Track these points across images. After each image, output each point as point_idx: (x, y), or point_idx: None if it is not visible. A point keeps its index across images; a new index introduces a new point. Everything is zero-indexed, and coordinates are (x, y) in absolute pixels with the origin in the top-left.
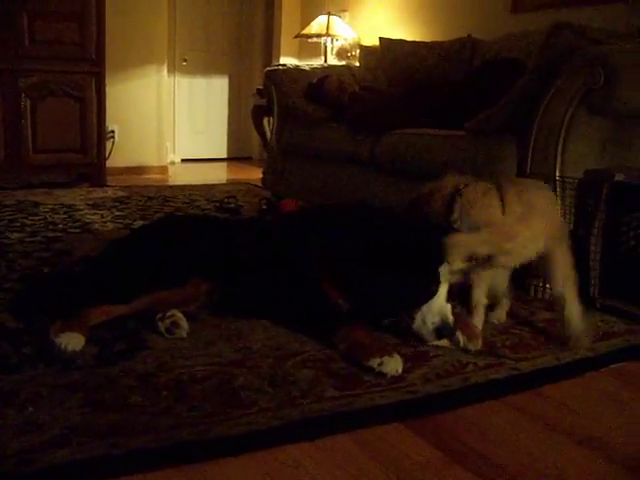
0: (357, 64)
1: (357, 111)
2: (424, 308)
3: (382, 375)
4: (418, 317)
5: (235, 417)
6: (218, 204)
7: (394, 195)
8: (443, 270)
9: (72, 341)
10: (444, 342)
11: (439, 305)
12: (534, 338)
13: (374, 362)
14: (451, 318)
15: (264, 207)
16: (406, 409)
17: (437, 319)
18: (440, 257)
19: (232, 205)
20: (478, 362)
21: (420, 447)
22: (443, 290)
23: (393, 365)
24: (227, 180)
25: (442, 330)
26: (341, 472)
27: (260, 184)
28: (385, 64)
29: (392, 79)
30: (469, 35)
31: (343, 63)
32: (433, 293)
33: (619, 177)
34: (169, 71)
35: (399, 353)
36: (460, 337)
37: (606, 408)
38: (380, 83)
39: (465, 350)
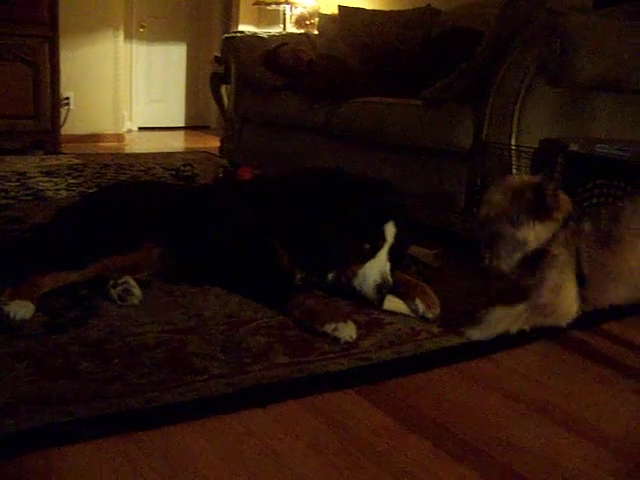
0: (316, 32)
1: (314, 79)
2: (367, 265)
3: (336, 341)
4: (360, 274)
5: (186, 384)
6: (174, 172)
7: (350, 163)
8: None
9: (21, 309)
10: (403, 309)
11: (380, 264)
12: (490, 306)
13: (328, 327)
14: (390, 278)
15: (221, 175)
16: (359, 376)
17: (378, 277)
18: (385, 217)
19: (188, 173)
20: (432, 329)
21: (373, 414)
22: (384, 250)
23: (347, 331)
24: (184, 148)
25: (382, 288)
26: (293, 439)
27: (217, 152)
28: (344, 33)
29: (351, 48)
30: (428, 4)
31: (302, 31)
32: (376, 251)
33: (573, 147)
34: (126, 37)
35: (353, 320)
36: (419, 305)
37: (557, 374)
38: (339, 52)
39: (423, 317)
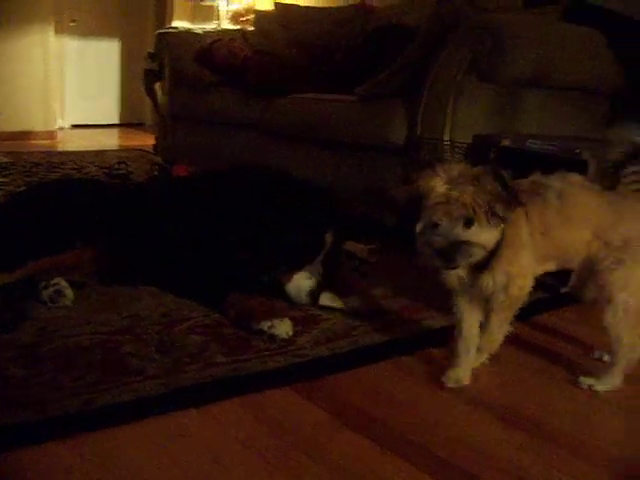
0: (252, 29)
1: (249, 76)
2: (306, 270)
3: (272, 338)
4: (295, 279)
5: (122, 385)
6: (108, 170)
7: (286, 160)
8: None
9: None
10: (339, 304)
11: (316, 269)
12: (426, 300)
13: (265, 325)
14: (322, 283)
15: (155, 173)
16: (296, 373)
17: (312, 282)
18: (325, 225)
19: (122, 171)
20: (367, 325)
21: (309, 410)
22: (321, 256)
23: (283, 328)
24: (119, 146)
25: (314, 292)
26: (229, 438)
27: (152, 150)
28: (279, 29)
29: (286, 44)
30: (362, 1)
31: (238, 27)
32: (314, 258)
33: (505, 142)
34: (57, 32)
35: (289, 317)
36: (355, 301)
37: (491, 366)
38: (274, 48)
39: (359, 313)
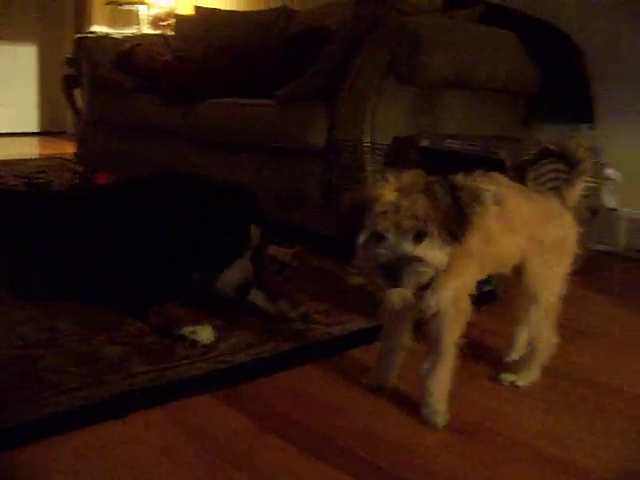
0: (172, 33)
1: (170, 81)
2: (231, 268)
3: (194, 344)
4: (224, 276)
5: (40, 400)
6: (27, 180)
7: (209, 166)
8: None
9: None
10: (267, 307)
11: (244, 266)
12: (348, 303)
13: (186, 331)
14: (251, 278)
15: (76, 181)
16: (218, 379)
17: (242, 278)
18: (248, 220)
19: (42, 180)
20: (291, 329)
21: (231, 417)
22: (248, 252)
23: (205, 334)
24: (39, 155)
25: (244, 288)
26: (150, 448)
27: (74, 158)
28: (200, 33)
29: (207, 48)
30: (284, 5)
31: (158, 32)
32: (241, 254)
33: (424, 143)
34: None
35: (212, 323)
36: (283, 305)
37: (415, 365)
38: (195, 52)
39: (287, 317)
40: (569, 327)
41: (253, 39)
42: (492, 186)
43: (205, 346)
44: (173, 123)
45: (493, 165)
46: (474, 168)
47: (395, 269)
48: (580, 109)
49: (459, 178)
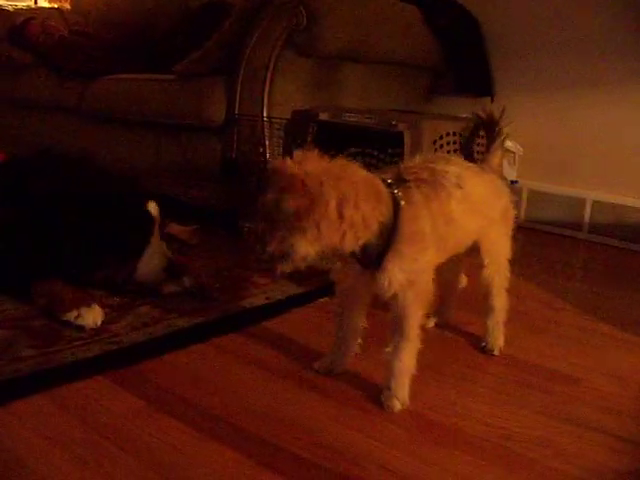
0: (69, 7)
1: (66, 56)
2: (149, 251)
3: (81, 328)
4: (142, 265)
5: None
6: None
7: (107, 143)
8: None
9: None
10: (171, 287)
11: (158, 245)
12: (245, 279)
13: (71, 315)
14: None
15: None
16: (108, 361)
17: (162, 259)
18: (144, 196)
19: None
20: (185, 306)
21: (122, 398)
22: (156, 231)
23: (91, 316)
24: None
25: (169, 268)
26: (36, 435)
27: None
28: (99, 6)
29: (105, 23)
30: None
31: (54, 6)
32: (149, 235)
33: (323, 116)
34: None
35: (103, 304)
36: (186, 282)
37: (311, 339)
38: (93, 27)
39: (193, 294)
40: (472, 301)
41: (154, 13)
42: (453, 167)
43: (93, 329)
44: (69, 100)
45: (392, 138)
46: (373, 141)
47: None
48: (480, 82)
49: (418, 160)
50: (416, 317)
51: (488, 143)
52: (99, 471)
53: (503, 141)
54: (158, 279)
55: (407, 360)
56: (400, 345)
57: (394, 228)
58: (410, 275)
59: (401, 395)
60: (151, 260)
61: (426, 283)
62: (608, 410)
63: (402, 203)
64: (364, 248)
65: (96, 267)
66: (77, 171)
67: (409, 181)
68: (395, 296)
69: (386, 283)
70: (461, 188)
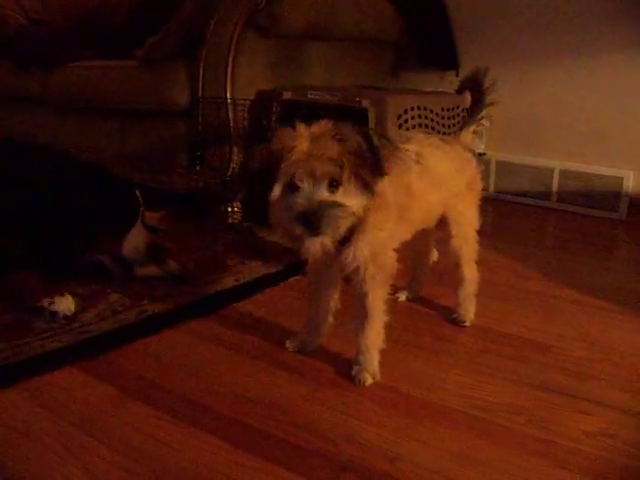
0: None
1: (24, 45)
2: (133, 231)
3: (54, 316)
4: (126, 244)
5: None
6: None
7: (72, 133)
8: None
9: None
10: (155, 271)
11: (141, 226)
12: (216, 262)
13: (45, 302)
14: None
15: None
16: (79, 351)
17: (146, 238)
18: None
19: None
20: (155, 293)
21: (93, 387)
22: (141, 212)
23: (65, 304)
24: None
25: (153, 248)
26: (6, 429)
27: None
28: None
29: (64, 10)
30: None
31: None
32: (136, 218)
33: (287, 95)
34: None
35: (75, 293)
36: (171, 265)
37: (283, 319)
38: (51, 14)
39: (176, 277)
40: (444, 275)
41: None
42: (412, 145)
43: (66, 317)
44: (31, 90)
45: (357, 114)
46: (339, 118)
47: (313, 216)
48: (445, 56)
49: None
50: (378, 291)
51: (469, 114)
52: (76, 464)
53: (480, 119)
54: (139, 257)
55: (373, 335)
56: (364, 321)
57: None
58: (374, 247)
59: (371, 369)
60: (135, 239)
61: (389, 257)
62: (578, 375)
63: None
64: None
65: (89, 245)
66: (48, 157)
67: None
68: (357, 270)
69: (350, 255)
70: (420, 164)
